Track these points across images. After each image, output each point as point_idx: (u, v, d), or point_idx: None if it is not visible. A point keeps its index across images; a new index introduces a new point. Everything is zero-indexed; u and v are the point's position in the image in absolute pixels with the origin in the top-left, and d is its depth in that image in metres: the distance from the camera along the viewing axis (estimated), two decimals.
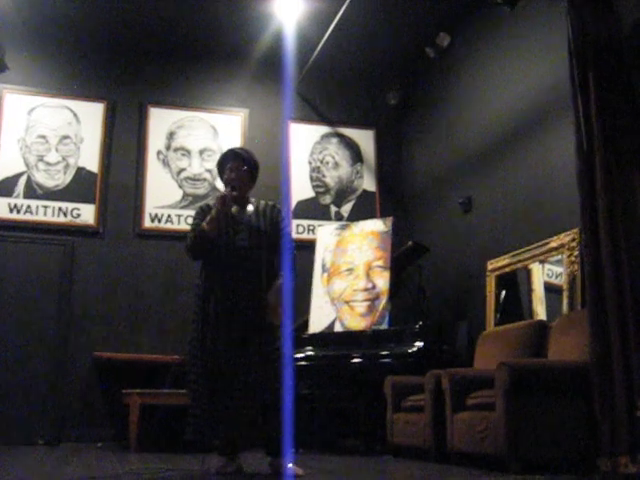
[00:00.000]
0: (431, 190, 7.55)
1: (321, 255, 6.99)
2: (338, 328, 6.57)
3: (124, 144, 7.41)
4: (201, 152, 7.57)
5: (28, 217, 6.95)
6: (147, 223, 7.26)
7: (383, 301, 6.42)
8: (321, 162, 7.95)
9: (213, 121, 7.69)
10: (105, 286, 7.04)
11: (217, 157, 4.51)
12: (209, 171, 7.44)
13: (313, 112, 8.03)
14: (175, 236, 7.13)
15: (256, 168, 4.30)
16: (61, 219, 7.04)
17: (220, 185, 4.34)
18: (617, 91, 4.04)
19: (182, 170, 7.50)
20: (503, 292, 6.07)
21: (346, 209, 7.91)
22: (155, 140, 7.49)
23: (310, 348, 6.37)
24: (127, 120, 7.49)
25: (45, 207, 7.02)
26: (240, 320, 3.94)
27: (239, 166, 4.20)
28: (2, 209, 6.90)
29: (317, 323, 6.67)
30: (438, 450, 4.85)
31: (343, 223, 7.40)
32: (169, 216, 7.32)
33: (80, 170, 7.21)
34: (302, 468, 3.93)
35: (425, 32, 7.20)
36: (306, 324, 6.67)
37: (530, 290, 5.74)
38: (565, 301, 5.15)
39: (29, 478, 3.77)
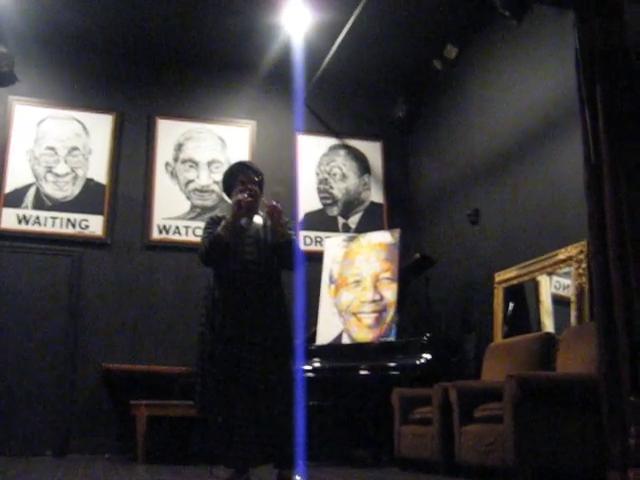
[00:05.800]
0: (438, 202, 7.55)
1: (328, 267, 6.99)
2: (346, 340, 6.57)
3: (132, 156, 7.45)
4: (209, 164, 7.60)
5: (37, 228, 6.98)
6: (155, 234, 7.28)
7: (390, 313, 6.41)
8: (329, 174, 7.96)
9: (221, 133, 7.72)
10: (113, 297, 7.05)
11: (225, 169, 4.49)
12: (217, 183, 7.44)
13: (321, 124, 8.05)
14: (183, 247, 7.15)
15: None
16: (69, 230, 7.06)
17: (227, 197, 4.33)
18: (625, 102, 4.04)
19: (190, 182, 7.53)
20: (511, 304, 6.06)
21: (353, 221, 7.91)
22: (163, 152, 7.52)
23: (318, 360, 6.35)
24: (135, 132, 7.52)
25: (54, 218, 7.05)
26: (248, 332, 3.93)
27: (253, 177, 4.16)
28: (11, 220, 6.93)
29: (325, 335, 6.66)
30: (446, 462, 4.83)
31: (350, 235, 7.41)
32: (177, 227, 7.34)
33: (89, 181, 7.25)
34: None
35: (433, 44, 7.23)
36: (314, 336, 6.67)
37: (538, 302, 5.73)
38: (573, 313, 5.14)
39: None
